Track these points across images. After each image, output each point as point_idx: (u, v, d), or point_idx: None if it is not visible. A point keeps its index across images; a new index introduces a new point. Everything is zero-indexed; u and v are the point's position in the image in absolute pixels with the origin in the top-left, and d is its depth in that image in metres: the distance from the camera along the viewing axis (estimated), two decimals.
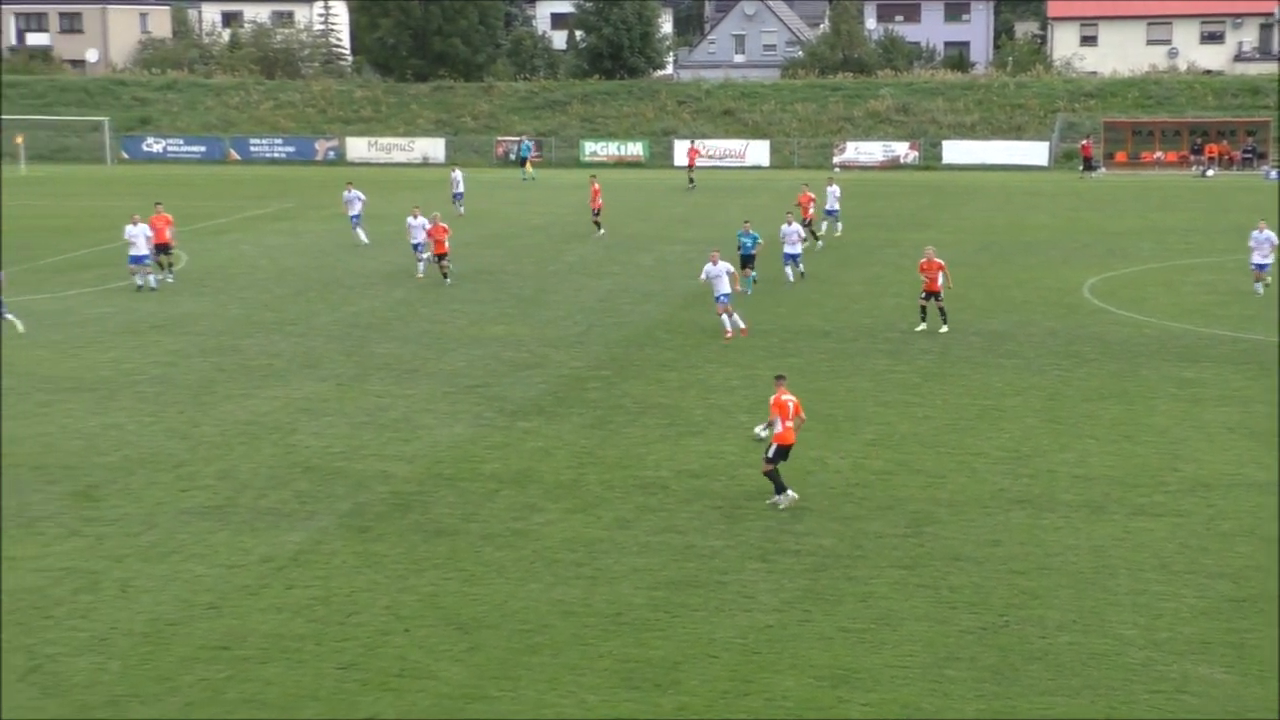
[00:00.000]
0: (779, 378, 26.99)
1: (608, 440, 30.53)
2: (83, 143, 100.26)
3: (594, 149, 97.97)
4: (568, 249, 57.90)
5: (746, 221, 48.42)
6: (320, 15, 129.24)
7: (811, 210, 56.81)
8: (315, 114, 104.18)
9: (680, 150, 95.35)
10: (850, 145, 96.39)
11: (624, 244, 59.60)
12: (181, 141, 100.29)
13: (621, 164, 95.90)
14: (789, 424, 26.07)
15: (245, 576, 22.96)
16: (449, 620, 21.22)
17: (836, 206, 60.74)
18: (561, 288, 48.93)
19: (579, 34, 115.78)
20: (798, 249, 49.10)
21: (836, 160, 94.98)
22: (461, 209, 67.98)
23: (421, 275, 50.23)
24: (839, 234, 60.32)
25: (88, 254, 56.59)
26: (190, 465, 28.78)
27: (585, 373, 36.62)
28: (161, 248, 49.51)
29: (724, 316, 40.50)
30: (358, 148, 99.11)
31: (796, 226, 49.20)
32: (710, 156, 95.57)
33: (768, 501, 26.20)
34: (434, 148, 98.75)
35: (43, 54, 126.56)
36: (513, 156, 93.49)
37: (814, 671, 19.50)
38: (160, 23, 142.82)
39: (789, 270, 49.12)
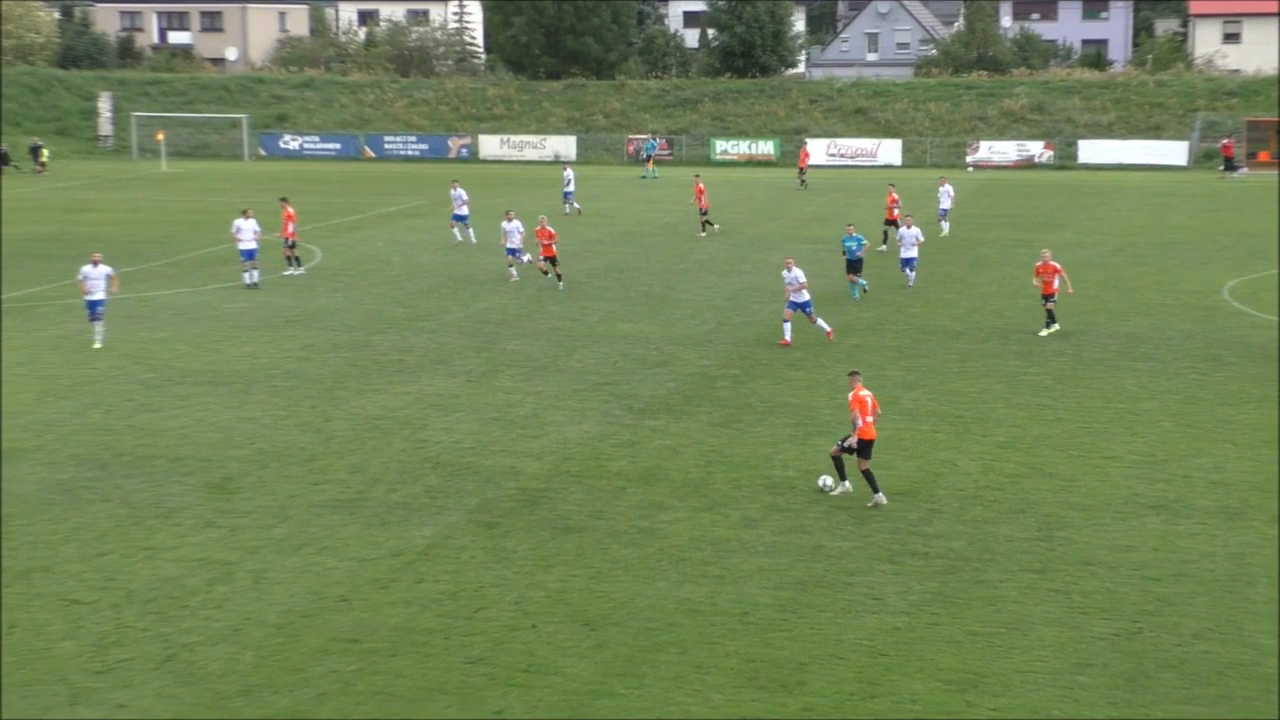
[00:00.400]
0: (853, 374, 26.83)
1: (735, 439, 30.48)
2: (222, 139, 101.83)
3: (724, 147, 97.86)
4: (697, 247, 57.86)
5: (850, 225, 47.35)
6: (455, 14, 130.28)
7: (896, 211, 55.95)
8: (448, 111, 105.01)
9: (812, 149, 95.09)
10: (984, 145, 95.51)
11: (753, 243, 59.47)
12: (317, 138, 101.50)
13: (752, 162, 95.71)
14: (869, 419, 25.94)
15: (375, 570, 23.19)
16: (576, 617, 21.29)
17: (949, 205, 60.18)
18: (690, 286, 48.92)
19: (711, 32, 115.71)
20: (914, 253, 47.81)
21: (969, 160, 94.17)
22: (569, 208, 67.79)
23: (515, 279, 49.31)
24: (945, 234, 59.70)
25: (225, 249, 57.38)
26: (322, 459, 29.12)
27: (714, 371, 36.59)
28: (287, 241, 50.57)
29: (787, 324, 39.20)
30: (490, 145, 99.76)
31: (916, 230, 47.82)
32: (842, 155, 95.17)
33: (869, 504, 25.99)
34: (565, 145, 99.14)
35: (184, 52, 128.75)
36: (643, 155, 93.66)
37: (942, 675, 19.33)
38: (298, 21, 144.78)
39: (909, 273, 47.96)
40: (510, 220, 49.31)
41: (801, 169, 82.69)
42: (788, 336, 39.25)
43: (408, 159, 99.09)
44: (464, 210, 58.76)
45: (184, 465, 28.67)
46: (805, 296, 39.12)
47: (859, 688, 19.00)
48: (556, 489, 27.23)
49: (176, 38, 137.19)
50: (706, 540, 24.46)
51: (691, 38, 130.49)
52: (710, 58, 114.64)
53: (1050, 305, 40.41)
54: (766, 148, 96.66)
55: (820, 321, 39.67)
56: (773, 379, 35.73)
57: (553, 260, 48.13)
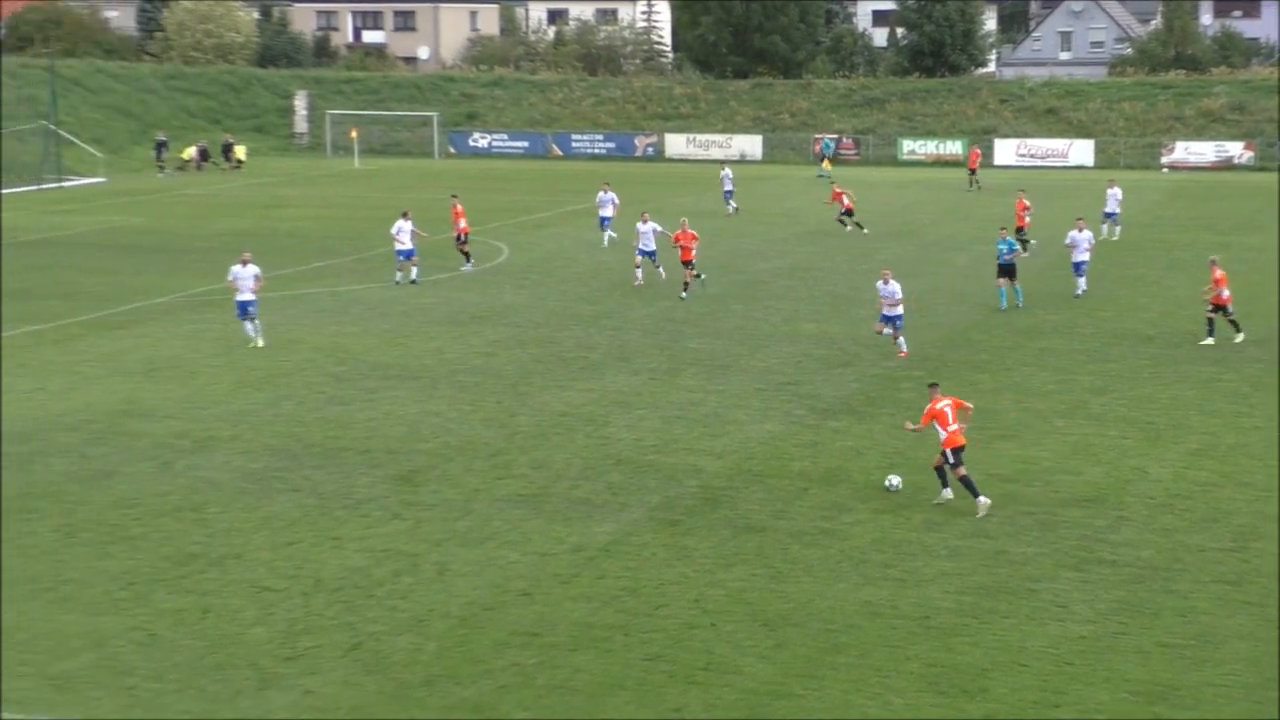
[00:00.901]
0: (932, 385, 26.85)
1: (919, 442, 30.13)
2: (413, 137, 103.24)
3: (911, 147, 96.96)
4: (883, 247, 57.41)
5: (1003, 228, 45.59)
6: (643, 13, 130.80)
7: (1027, 218, 54.74)
8: (635, 110, 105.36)
9: (1001, 149, 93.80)
10: (1180, 145, 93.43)
11: (940, 244, 58.89)
12: (506, 136, 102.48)
13: (940, 162, 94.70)
14: (953, 427, 25.75)
15: (557, 565, 23.37)
16: (756, 616, 21.26)
17: (1117, 209, 58.86)
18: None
19: (900, 31, 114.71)
20: (1085, 257, 45.66)
21: (1164, 160, 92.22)
22: (730, 208, 67.39)
23: (639, 282, 47.81)
24: (1116, 238, 58.47)
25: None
26: (506, 454, 29.42)
27: (897, 373, 36.29)
28: (459, 238, 51.36)
29: (885, 330, 37.83)
30: (676, 144, 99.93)
31: (1088, 234, 45.83)
32: (1032, 156, 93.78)
33: (934, 502, 26.20)
34: (751, 145, 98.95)
35: (377, 51, 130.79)
36: (828, 153, 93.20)
37: (1129, 686, 18.98)
38: (489, 20, 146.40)
39: (1081, 281, 46.00)
40: (645, 222, 48.13)
41: (972, 170, 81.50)
42: (904, 349, 37.83)
43: (594, 157, 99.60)
44: (609, 212, 58.01)
45: (372, 457, 29.15)
46: (899, 310, 37.64)
47: (1042, 696, 18.73)
48: (738, 488, 27.22)
49: (370, 37, 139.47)
50: (888, 543, 24.28)
51: (880, 36, 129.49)
52: (899, 57, 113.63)
53: (1230, 316, 39.00)
54: (954, 148, 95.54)
55: (902, 340, 37.85)
56: (957, 381, 35.30)
57: (688, 264, 45.84)
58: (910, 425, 26.90)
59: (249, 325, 39.21)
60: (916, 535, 24.64)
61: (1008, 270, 44.14)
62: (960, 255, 55.45)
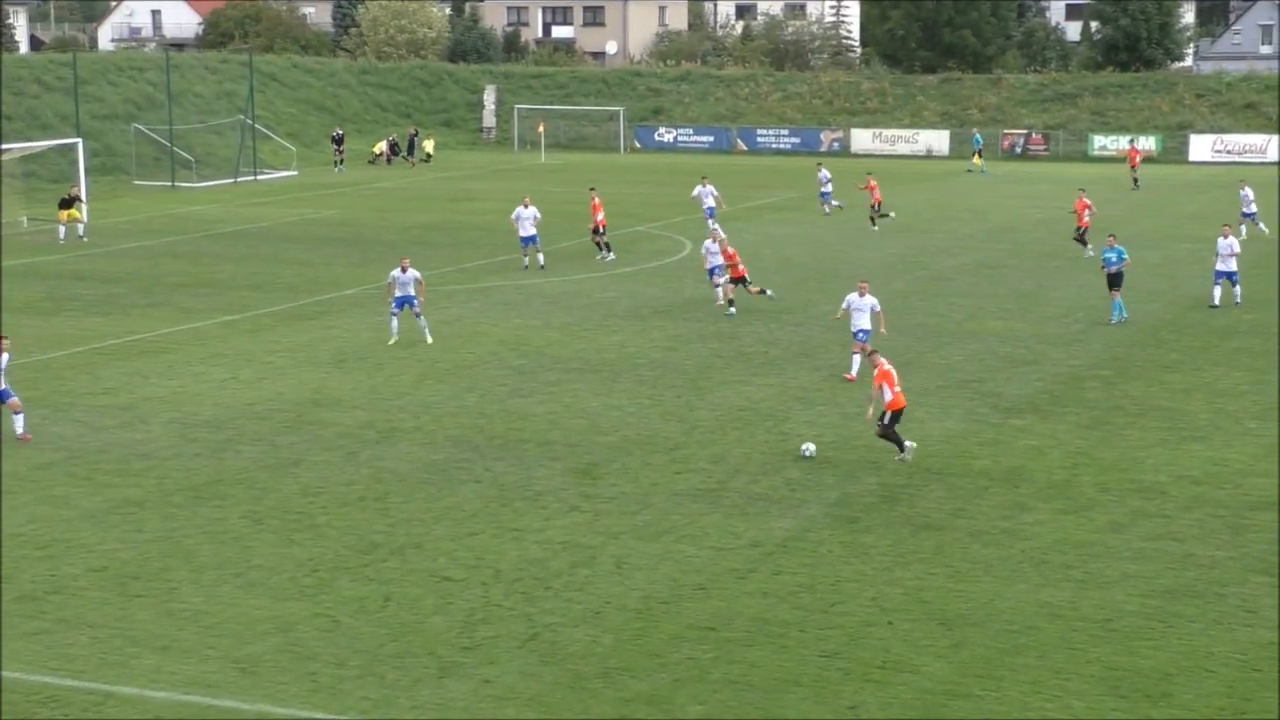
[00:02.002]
0: (872, 353, 29.19)
1: (1104, 441, 29.68)
2: (599, 132, 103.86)
3: (1103, 143, 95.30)
4: (1070, 244, 56.44)
5: (1111, 235, 43.34)
6: (831, 7, 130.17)
7: (1087, 218, 53.35)
8: (821, 105, 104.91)
9: (1196, 145, 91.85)
10: None
11: (1131, 241, 57.61)
12: (691, 131, 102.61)
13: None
14: (897, 389, 27.87)
15: (734, 560, 23.36)
16: (933, 615, 21.06)
17: (1253, 209, 57.30)
18: (1062, 284, 47.81)
19: (1094, 25, 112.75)
20: (1231, 265, 42.96)
21: None
22: (827, 208, 66.20)
23: (720, 302, 43.66)
24: (1266, 234, 56.89)
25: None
26: (685, 448, 29.47)
27: (1084, 372, 35.70)
28: (595, 230, 52.25)
29: (856, 354, 34.87)
30: (862, 139, 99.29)
31: (1232, 240, 43.28)
32: (1228, 152, 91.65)
33: (896, 458, 28.04)
34: (938, 140, 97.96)
35: (566, 46, 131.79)
36: (1017, 149, 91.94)
37: None
38: (678, 15, 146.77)
39: (1217, 290, 43.45)
40: (714, 240, 44.23)
41: (1133, 168, 79.51)
42: (854, 371, 34.92)
43: (779, 152, 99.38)
44: (711, 203, 58.42)
45: (552, 450, 29.39)
46: (867, 325, 35.00)
47: (1229, 703, 18.30)
48: (917, 486, 26.98)
49: (560, 32, 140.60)
50: (1070, 543, 23.89)
51: (1073, 30, 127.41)
52: (1092, 51, 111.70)
53: None
54: (1148, 144, 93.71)
55: (856, 359, 34.85)
56: (1146, 381, 34.68)
57: (741, 281, 42.58)
58: (851, 376, 29.23)
59: (395, 322, 39.31)
60: (1100, 537, 24.22)
61: (1114, 280, 41.54)
62: (1152, 252, 54.33)
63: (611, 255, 52.30)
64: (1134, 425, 30.88)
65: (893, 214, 62.64)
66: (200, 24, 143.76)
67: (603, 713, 18.26)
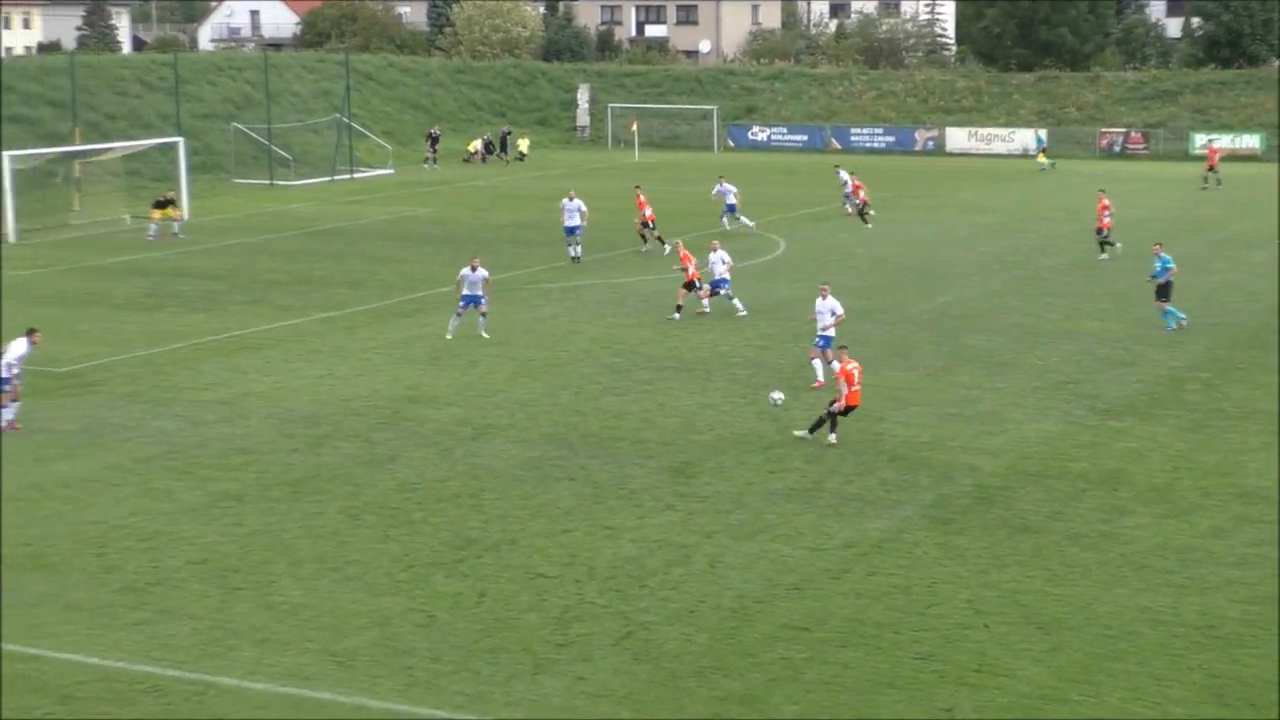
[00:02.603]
0: (841, 348, 30.66)
1: (1205, 444, 29.35)
2: (692, 130, 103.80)
3: (1204, 141, 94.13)
4: (1169, 245, 55.79)
5: (1157, 244, 42.33)
6: (926, 5, 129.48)
7: (1108, 219, 52.43)
8: (916, 104, 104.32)
9: None
10: None
11: (1231, 240, 57.10)
12: (785, 130, 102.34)
13: (1234, 157, 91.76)
14: (855, 388, 29.33)
15: (828, 560, 23.30)
16: (1030, 619, 20.91)
17: None
18: None
19: (1195, 21, 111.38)
20: None
21: None
22: (849, 208, 65.38)
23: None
24: None
25: (692, 238, 58.50)
26: (779, 448, 29.42)
27: (1183, 373, 35.31)
28: (645, 224, 54.36)
29: (816, 361, 34.26)
30: (957, 138, 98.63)
31: None
32: None
33: (795, 432, 29.86)
34: (1034, 139, 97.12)
35: (659, 45, 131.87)
36: (1116, 148, 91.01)
37: None
38: (770, 14, 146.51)
39: None
40: (715, 250, 42.76)
41: (1211, 167, 78.12)
42: (820, 377, 34.10)
43: (873, 151, 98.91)
44: (733, 200, 59.46)
45: (646, 448, 29.42)
46: (832, 332, 34.31)
47: None
48: (1014, 488, 26.80)
49: (653, 30, 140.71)
50: (1170, 548, 23.64)
51: (1174, 27, 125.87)
52: (1193, 47, 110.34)
53: None
54: (1251, 142, 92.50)
55: (817, 364, 34.25)
56: (1248, 384, 34.25)
57: (691, 286, 41.97)
58: (824, 359, 31.02)
59: (455, 321, 39.55)
60: (1201, 541, 23.95)
61: (1163, 291, 40.45)
62: (1255, 253, 53.66)
63: (667, 248, 52.73)
64: (1235, 429, 30.52)
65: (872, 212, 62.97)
66: (298, 24, 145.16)
67: (696, 712, 18.27)
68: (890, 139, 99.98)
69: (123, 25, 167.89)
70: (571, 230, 52.22)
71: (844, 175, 66.16)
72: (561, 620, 20.95)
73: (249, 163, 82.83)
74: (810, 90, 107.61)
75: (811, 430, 29.77)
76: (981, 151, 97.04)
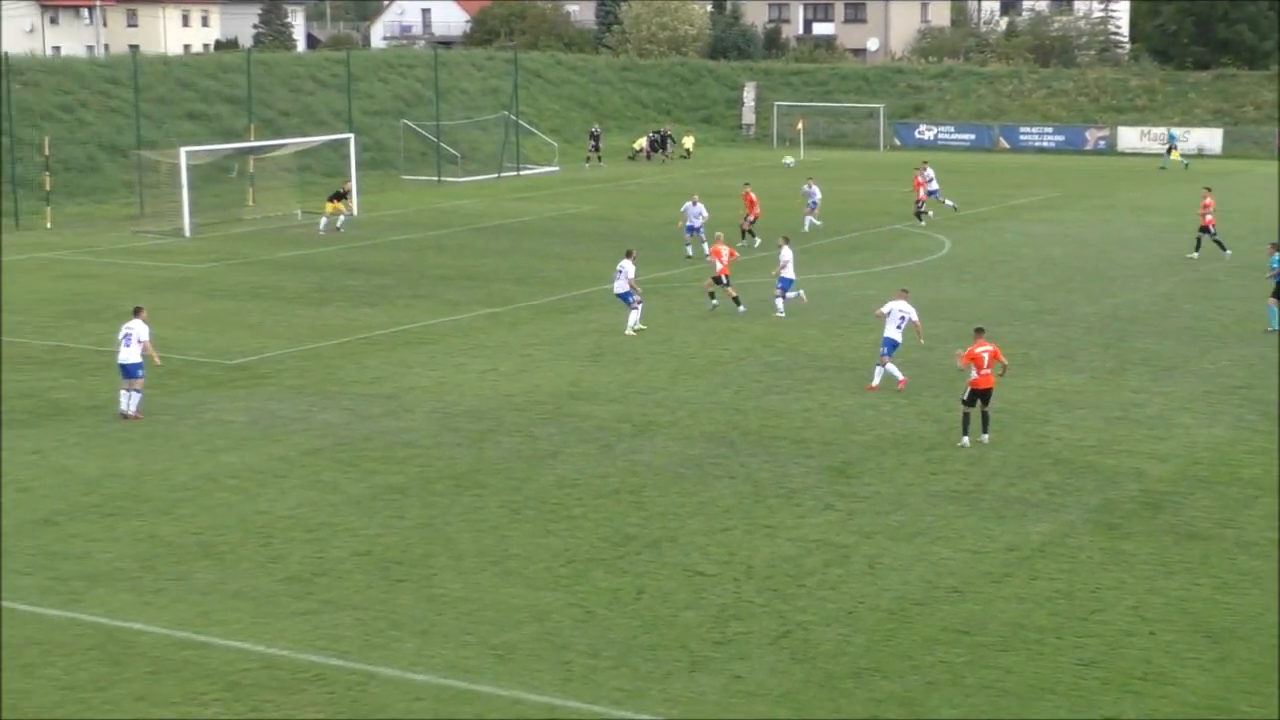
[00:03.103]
0: (978, 330, 29.95)
1: None
2: (858, 129, 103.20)
3: None
4: None
5: (1273, 244, 40.97)
6: (1100, 3, 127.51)
7: (1210, 217, 51.54)
8: (1087, 103, 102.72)
9: None
10: None
11: None
12: (952, 129, 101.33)
13: None
14: (984, 371, 28.86)
15: (989, 563, 23.05)
16: (1198, 627, 20.52)
17: None
18: None
19: None
20: None
21: None
22: (940, 204, 64.27)
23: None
24: None
25: (856, 237, 58.34)
26: (941, 449, 29.16)
27: None
28: (750, 220, 55.73)
29: (881, 367, 33.94)
30: (1129, 137, 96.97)
31: None
32: None
33: (958, 444, 29.13)
34: (1210, 138, 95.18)
35: (827, 43, 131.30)
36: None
37: None
38: (940, 11, 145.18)
39: None
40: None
41: None
42: (875, 381, 34.08)
43: (1042, 150, 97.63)
44: (817, 197, 60.10)
45: (806, 448, 29.33)
46: (896, 337, 33.67)
47: None
48: (1182, 494, 26.30)
49: (820, 28, 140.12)
50: None
51: None
52: None
53: None
54: None
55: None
56: None
57: (719, 280, 42.34)
58: (959, 354, 29.59)
59: (634, 315, 40.06)
60: None
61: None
62: None
63: (757, 240, 54.69)
64: None
65: (932, 213, 62.40)
66: (468, 22, 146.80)
67: (853, 713, 18.18)
68: (1060, 138, 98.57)
69: (298, 23, 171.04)
70: (692, 229, 53.27)
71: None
72: (719, 618, 20.95)
73: (417, 159, 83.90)
74: (979, 89, 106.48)
75: (965, 430, 29.40)
76: (1155, 151, 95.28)
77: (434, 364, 36.67)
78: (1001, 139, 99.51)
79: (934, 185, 62.85)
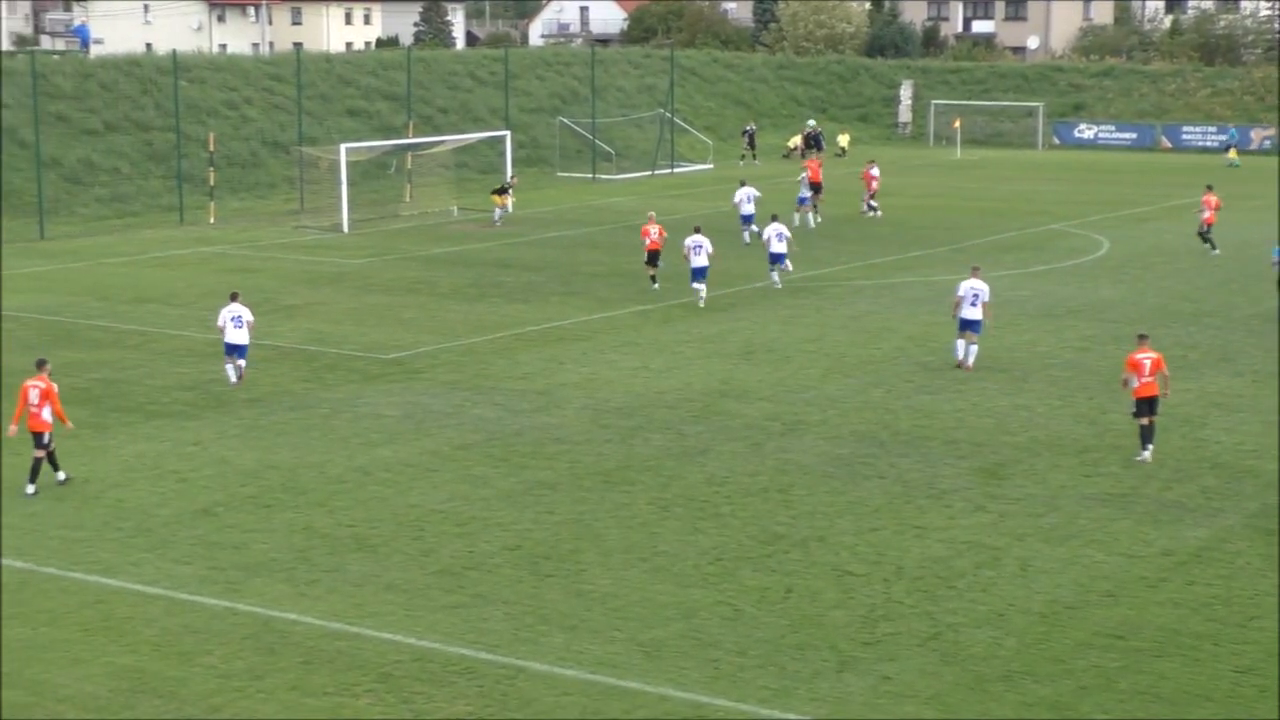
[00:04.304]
0: (1141, 337, 28.71)
1: None
2: (1016, 128, 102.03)
3: None
4: None
5: None
6: (1268, 2, 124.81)
7: (1208, 214, 51.94)
8: (1253, 102, 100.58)
9: None
10: None
11: None
12: (1113, 128, 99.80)
13: None
14: (1145, 379, 27.58)
15: (1144, 568, 22.70)
16: None
17: None
18: None
19: None
20: None
21: None
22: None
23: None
24: None
25: (1012, 236, 57.69)
26: (1095, 451, 28.76)
27: None
28: (815, 187, 60.06)
29: (960, 343, 35.72)
30: None
31: None
32: None
33: (1135, 458, 28.01)
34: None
35: (985, 41, 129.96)
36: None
37: None
38: (1103, 9, 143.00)
39: None
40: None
41: None
42: (959, 356, 35.92)
43: (1205, 150, 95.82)
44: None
45: (957, 448, 29.08)
46: (975, 316, 35.30)
47: None
48: None
49: (979, 26, 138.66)
50: None
51: None
52: None
53: None
54: None
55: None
56: None
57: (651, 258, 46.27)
58: (1124, 378, 28.41)
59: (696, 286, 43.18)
60: None
61: None
62: None
63: (816, 214, 59.08)
64: None
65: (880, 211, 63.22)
66: (625, 20, 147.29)
67: (1003, 715, 18.01)
68: (1223, 138, 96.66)
69: (457, 21, 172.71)
70: (748, 218, 54.28)
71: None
72: (868, 619, 20.86)
73: (572, 156, 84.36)
74: (1141, 87, 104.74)
75: (1143, 443, 28.27)
76: None
77: (585, 360, 36.87)
78: (1164, 138, 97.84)
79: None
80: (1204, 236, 52.93)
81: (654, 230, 46.04)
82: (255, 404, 32.74)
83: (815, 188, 60.58)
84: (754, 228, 53.58)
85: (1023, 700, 18.38)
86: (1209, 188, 54.77)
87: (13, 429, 26.81)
